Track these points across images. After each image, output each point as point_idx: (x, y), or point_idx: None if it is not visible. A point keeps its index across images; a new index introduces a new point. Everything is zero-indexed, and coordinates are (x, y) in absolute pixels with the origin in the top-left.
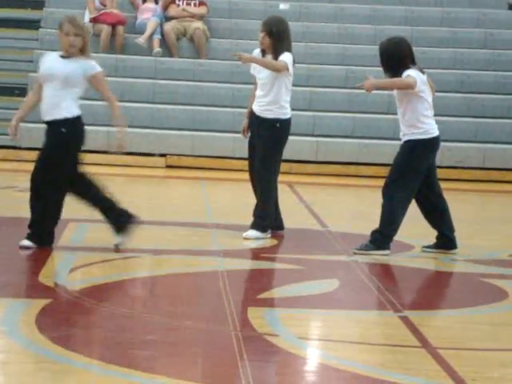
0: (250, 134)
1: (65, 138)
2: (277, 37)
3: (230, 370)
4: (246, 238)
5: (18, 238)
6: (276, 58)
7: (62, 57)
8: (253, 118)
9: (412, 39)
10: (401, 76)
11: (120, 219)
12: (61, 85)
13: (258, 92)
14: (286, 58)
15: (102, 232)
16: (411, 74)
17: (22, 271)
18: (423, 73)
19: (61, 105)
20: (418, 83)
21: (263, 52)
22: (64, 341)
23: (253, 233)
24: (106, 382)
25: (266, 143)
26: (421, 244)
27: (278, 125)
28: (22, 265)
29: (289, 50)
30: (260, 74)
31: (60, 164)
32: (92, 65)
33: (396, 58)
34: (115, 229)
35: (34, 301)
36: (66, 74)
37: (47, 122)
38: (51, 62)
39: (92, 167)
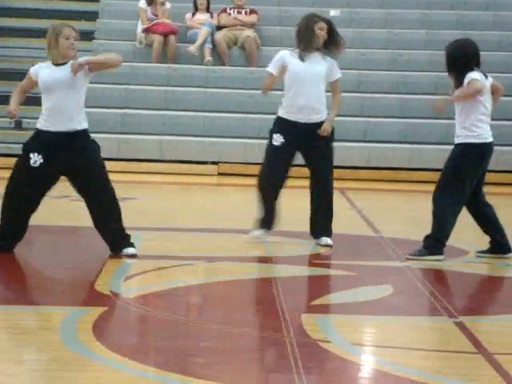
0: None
1: (96, 145)
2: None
3: (285, 377)
4: (326, 245)
5: (74, 246)
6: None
7: (56, 65)
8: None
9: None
10: (464, 78)
11: (120, 241)
12: (66, 92)
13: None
14: (339, 72)
15: (155, 240)
16: (476, 77)
17: (79, 280)
18: (486, 76)
19: (74, 117)
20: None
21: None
22: (120, 348)
23: (329, 240)
24: None
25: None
26: (475, 249)
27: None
28: (78, 273)
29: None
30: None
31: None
32: (82, 58)
33: (462, 59)
34: (112, 247)
35: (91, 309)
36: (68, 79)
37: (68, 133)
38: (48, 71)
39: (145, 176)
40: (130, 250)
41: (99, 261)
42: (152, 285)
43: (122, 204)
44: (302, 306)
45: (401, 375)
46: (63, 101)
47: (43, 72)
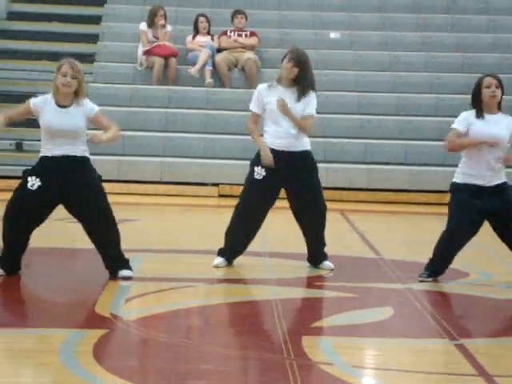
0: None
1: (96, 173)
2: (305, 68)
3: None
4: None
5: (74, 269)
6: (303, 91)
7: (60, 106)
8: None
9: (464, 66)
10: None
11: (118, 265)
12: (71, 138)
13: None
14: (313, 107)
15: (156, 262)
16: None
17: (78, 302)
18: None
19: (77, 148)
20: None
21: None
22: (121, 371)
23: (329, 264)
24: None
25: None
26: (475, 271)
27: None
28: (78, 296)
29: (313, 84)
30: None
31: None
32: (90, 106)
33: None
34: (110, 270)
35: (91, 331)
36: (75, 129)
37: (68, 157)
38: (53, 115)
39: (145, 197)
40: (124, 273)
41: (99, 283)
42: (152, 307)
43: (122, 226)
44: (302, 328)
45: None
46: (66, 144)
47: (48, 113)
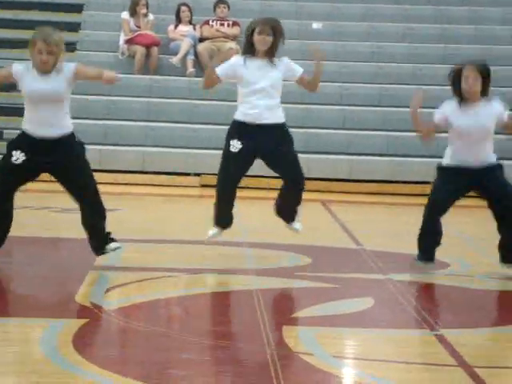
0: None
1: (81, 147)
2: (279, 37)
3: None
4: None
5: (55, 258)
6: (272, 57)
7: (41, 74)
8: (252, 127)
9: (446, 57)
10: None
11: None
12: (54, 102)
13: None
14: (298, 67)
15: (137, 252)
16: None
17: (59, 291)
18: None
19: (60, 122)
20: None
21: (248, 52)
22: (101, 361)
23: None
24: None
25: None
26: (456, 261)
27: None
28: (58, 285)
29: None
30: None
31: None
32: (68, 65)
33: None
34: (98, 246)
35: (71, 321)
36: (57, 93)
37: (54, 140)
38: (34, 81)
39: (127, 187)
40: (113, 245)
41: (80, 272)
42: (133, 297)
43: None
44: (283, 318)
45: None
46: (48, 111)
47: (28, 80)
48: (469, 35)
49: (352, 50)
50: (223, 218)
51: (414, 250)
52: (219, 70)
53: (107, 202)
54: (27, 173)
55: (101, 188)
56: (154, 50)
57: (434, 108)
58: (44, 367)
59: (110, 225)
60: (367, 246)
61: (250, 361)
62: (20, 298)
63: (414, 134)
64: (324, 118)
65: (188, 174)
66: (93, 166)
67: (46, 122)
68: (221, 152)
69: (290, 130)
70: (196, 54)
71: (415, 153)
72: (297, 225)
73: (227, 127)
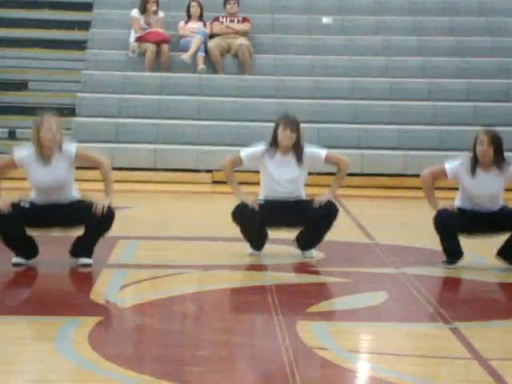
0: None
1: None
2: (299, 132)
3: None
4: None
5: (67, 256)
6: (299, 155)
7: (44, 159)
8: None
9: (456, 49)
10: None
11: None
12: (59, 189)
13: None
14: (319, 150)
15: (150, 249)
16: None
17: (73, 290)
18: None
19: (67, 200)
20: None
21: (274, 147)
22: (116, 358)
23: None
24: None
25: None
26: (470, 255)
27: None
28: (73, 283)
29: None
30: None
31: None
32: (68, 149)
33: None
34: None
35: (86, 318)
36: (61, 183)
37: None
38: (36, 172)
39: (139, 185)
40: (84, 260)
41: (94, 270)
42: (147, 294)
43: (116, 213)
44: (297, 313)
45: (396, 382)
46: (54, 195)
47: (33, 168)
48: (479, 27)
49: (362, 44)
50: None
51: (426, 243)
52: (244, 154)
53: (118, 200)
54: (34, 217)
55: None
56: (165, 47)
57: (445, 100)
58: (59, 365)
59: (122, 222)
60: (380, 240)
61: (265, 356)
62: (34, 297)
63: (425, 127)
64: (334, 112)
65: (199, 171)
66: None
67: (53, 201)
68: (232, 148)
69: (302, 125)
70: (206, 51)
71: (427, 146)
72: (313, 252)
73: (238, 123)
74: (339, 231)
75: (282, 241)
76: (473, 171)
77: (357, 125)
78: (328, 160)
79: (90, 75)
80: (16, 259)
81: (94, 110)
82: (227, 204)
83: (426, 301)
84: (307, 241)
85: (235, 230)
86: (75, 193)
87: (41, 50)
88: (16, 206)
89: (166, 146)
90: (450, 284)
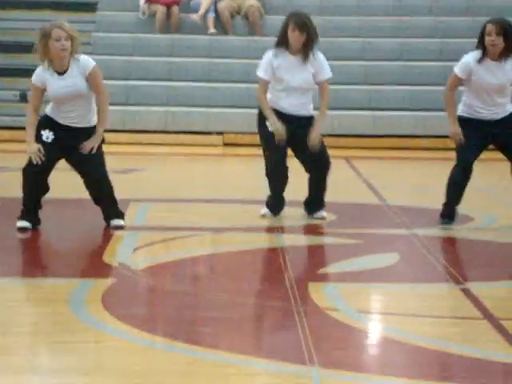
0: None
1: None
2: (313, 33)
3: (293, 345)
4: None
5: (81, 218)
6: (307, 55)
7: (59, 73)
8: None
9: (468, 9)
10: None
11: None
12: (77, 101)
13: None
14: (328, 69)
15: (162, 212)
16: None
17: (86, 252)
18: None
19: (84, 120)
20: None
21: (284, 47)
22: (129, 319)
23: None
24: (170, 359)
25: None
26: (481, 216)
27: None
28: (85, 246)
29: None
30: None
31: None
32: (86, 63)
33: None
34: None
35: (99, 280)
36: (79, 93)
37: (78, 128)
38: (56, 82)
39: (150, 147)
40: (115, 222)
41: (106, 233)
42: (159, 256)
43: (127, 175)
44: (308, 274)
45: (408, 342)
46: (74, 107)
47: (50, 82)
48: (496, 6)
49: (373, 4)
50: (274, 204)
51: (438, 204)
52: (263, 73)
53: (130, 162)
54: (58, 150)
55: (123, 148)
56: (175, 8)
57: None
58: (74, 326)
59: (133, 184)
60: (391, 201)
61: (276, 317)
62: (47, 259)
63: (436, 87)
64: (345, 73)
65: (210, 133)
66: (115, 127)
67: (70, 117)
68: (243, 110)
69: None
70: (217, 12)
71: (438, 106)
72: (324, 213)
73: (248, 85)
74: (350, 193)
75: (291, 203)
76: (481, 60)
77: (368, 86)
78: (321, 87)
79: (100, 37)
80: (22, 223)
81: (104, 72)
82: (238, 166)
83: (437, 261)
84: (312, 202)
85: (246, 192)
86: (94, 116)
87: (51, 11)
88: (44, 144)
89: (176, 109)
90: (461, 244)
